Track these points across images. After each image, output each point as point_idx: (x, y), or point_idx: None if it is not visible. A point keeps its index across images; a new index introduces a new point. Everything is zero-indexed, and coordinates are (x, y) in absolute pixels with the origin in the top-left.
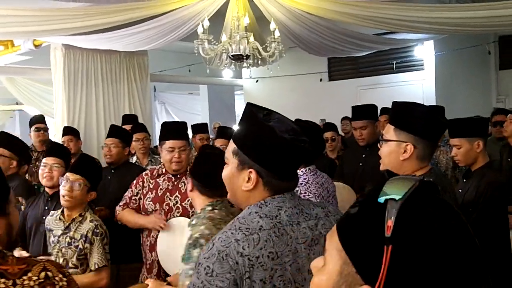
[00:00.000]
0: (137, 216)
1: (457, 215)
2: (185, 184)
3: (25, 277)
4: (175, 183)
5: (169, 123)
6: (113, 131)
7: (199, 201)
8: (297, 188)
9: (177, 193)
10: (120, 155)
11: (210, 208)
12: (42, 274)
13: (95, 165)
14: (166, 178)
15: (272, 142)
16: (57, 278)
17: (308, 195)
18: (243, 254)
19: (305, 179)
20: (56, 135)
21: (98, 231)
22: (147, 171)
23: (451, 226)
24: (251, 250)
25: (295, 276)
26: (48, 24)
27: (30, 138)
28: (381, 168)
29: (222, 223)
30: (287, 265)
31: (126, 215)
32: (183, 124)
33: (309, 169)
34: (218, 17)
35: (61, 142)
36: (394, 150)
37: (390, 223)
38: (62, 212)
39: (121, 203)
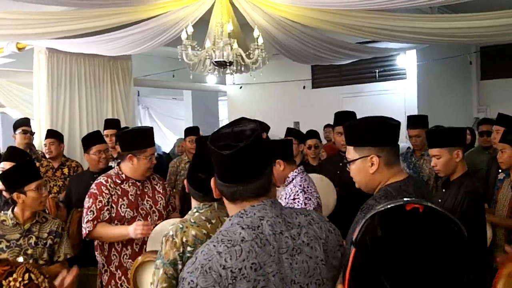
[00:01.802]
0: (115, 228)
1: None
2: (149, 188)
3: (10, 278)
4: (141, 187)
5: (143, 130)
6: (101, 137)
7: (192, 203)
8: (300, 183)
9: (146, 198)
10: (108, 159)
11: (194, 210)
12: (26, 276)
13: None
14: (131, 184)
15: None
16: (39, 280)
17: (311, 189)
18: (225, 267)
19: (302, 177)
20: (37, 138)
21: (63, 226)
22: (105, 178)
23: (413, 243)
24: (233, 262)
25: (279, 286)
26: (32, 28)
27: (14, 140)
28: (356, 186)
29: (190, 226)
30: (270, 276)
31: (101, 230)
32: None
33: (300, 169)
34: (202, 23)
35: (43, 145)
36: (362, 166)
37: (357, 229)
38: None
39: (88, 218)
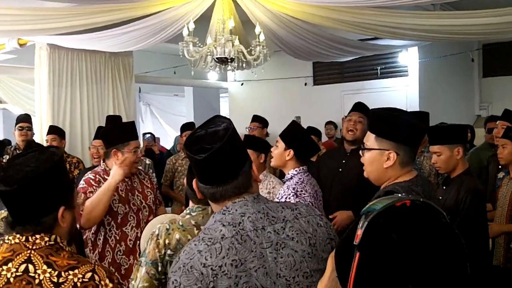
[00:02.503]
0: (100, 190)
1: (441, 232)
2: (138, 183)
3: (70, 272)
4: (130, 183)
5: (124, 123)
6: (97, 133)
7: (190, 204)
8: (294, 186)
9: (136, 193)
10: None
11: (187, 211)
12: (88, 274)
13: None
14: None
15: None
16: (102, 283)
17: (304, 194)
18: (206, 265)
19: (300, 178)
20: (38, 134)
21: None
22: (93, 174)
23: (420, 241)
24: (213, 260)
25: (262, 281)
26: (33, 24)
27: (14, 136)
28: (365, 175)
29: (177, 229)
30: (252, 271)
31: (90, 202)
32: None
33: (303, 169)
34: (204, 20)
35: (44, 141)
36: (377, 158)
37: (359, 232)
38: None
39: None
